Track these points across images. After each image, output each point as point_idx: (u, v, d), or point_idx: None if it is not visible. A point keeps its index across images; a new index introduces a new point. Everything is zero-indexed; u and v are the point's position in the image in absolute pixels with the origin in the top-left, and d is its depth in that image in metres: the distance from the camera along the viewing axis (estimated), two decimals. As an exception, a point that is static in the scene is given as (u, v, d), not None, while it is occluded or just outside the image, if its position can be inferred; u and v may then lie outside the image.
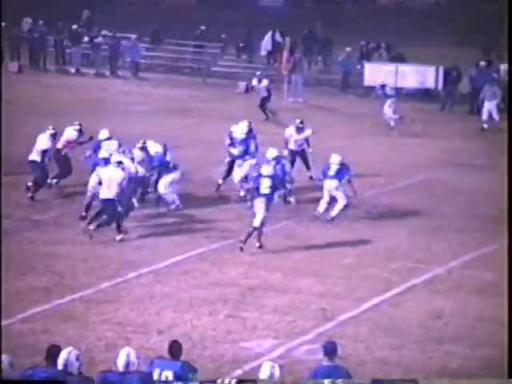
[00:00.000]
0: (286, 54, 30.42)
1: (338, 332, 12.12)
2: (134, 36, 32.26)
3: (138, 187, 16.54)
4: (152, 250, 15.01)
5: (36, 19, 32.03)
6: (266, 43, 32.42)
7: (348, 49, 31.01)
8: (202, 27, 33.29)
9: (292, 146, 18.74)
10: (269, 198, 15.22)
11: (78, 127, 17.94)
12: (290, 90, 29.31)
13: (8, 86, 27.14)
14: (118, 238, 15.31)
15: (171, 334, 11.75)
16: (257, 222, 15.04)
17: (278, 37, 32.13)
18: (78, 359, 8.61)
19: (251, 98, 26.85)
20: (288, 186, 16.98)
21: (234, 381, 8.65)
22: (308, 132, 18.92)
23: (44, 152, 17.27)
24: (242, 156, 17.82)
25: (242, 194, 17.49)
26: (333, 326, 12.41)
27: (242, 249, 14.91)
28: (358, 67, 30.72)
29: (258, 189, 15.23)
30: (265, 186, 15.20)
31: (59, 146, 17.65)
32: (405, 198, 17.36)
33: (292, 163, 18.28)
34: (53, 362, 8.66)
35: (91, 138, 17.80)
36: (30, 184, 17.16)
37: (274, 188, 15.31)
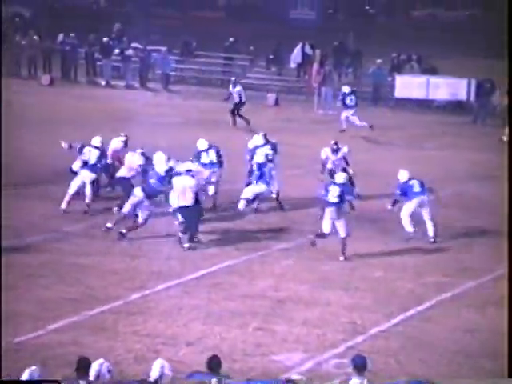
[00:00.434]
0: (315, 66, 30.39)
1: (369, 346, 12.02)
2: (164, 48, 32.39)
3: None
4: (181, 262, 14.99)
5: (68, 32, 32.27)
6: (296, 55, 32.41)
7: (379, 61, 30.92)
8: (231, 39, 33.38)
9: (330, 165, 18.62)
10: (338, 206, 15.30)
11: (124, 138, 18.07)
12: (320, 103, 29.28)
13: (41, 99, 27.43)
14: (186, 245, 15.45)
15: (201, 346, 11.72)
16: (342, 233, 15.25)
17: (307, 49, 32.10)
18: (109, 371, 8.61)
19: (280, 111, 26.84)
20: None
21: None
22: (344, 149, 18.73)
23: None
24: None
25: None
26: (363, 340, 12.31)
27: (345, 257, 15.20)
28: (389, 79, 30.63)
29: (326, 198, 15.34)
30: (333, 194, 15.27)
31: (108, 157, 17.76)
32: (435, 210, 17.19)
33: None
34: (84, 374, 8.64)
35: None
36: (118, 204, 16.88)
37: (342, 196, 15.36)
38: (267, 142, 18.57)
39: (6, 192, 17.78)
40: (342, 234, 15.29)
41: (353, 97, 25.44)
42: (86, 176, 17.12)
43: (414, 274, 14.79)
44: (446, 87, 29.11)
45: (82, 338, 11.90)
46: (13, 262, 14.46)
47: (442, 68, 30.21)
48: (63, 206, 16.97)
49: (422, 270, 14.98)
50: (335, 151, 18.57)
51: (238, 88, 26.22)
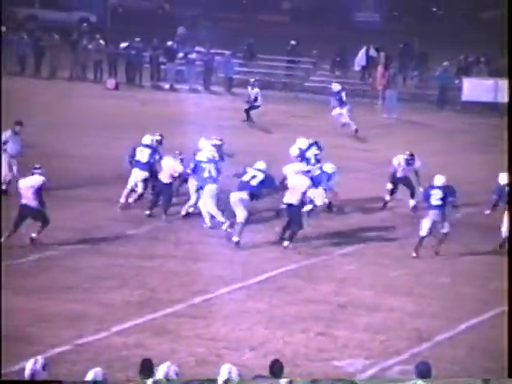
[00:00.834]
0: (380, 69, 30.16)
1: (434, 353, 11.83)
2: (227, 52, 32.48)
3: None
4: (243, 266, 14.97)
5: (133, 36, 32.57)
6: (360, 58, 32.20)
7: (445, 63, 30.54)
8: (293, 42, 33.29)
9: (400, 174, 18.39)
10: (440, 209, 15.29)
11: (158, 137, 17.80)
12: (384, 106, 29.03)
13: (106, 104, 27.70)
14: (286, 243, 15.61)
15: (263, 350, 11.67)
16: (445, 229, 15.51)
17: (372, 52, 31.87)
18: (177, 374, 8.64)
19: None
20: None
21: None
22: (418, 164, 18.49)
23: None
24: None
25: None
26: (428, 347, 12.13)
27: (437, 252, 15.62)
28: (456, 82, 30.21)
29: (429, 201, 15.41)
30: (436, 197, 15.21)
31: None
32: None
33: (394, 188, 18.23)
34: (148, 375, 8.68)
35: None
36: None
37: (445, 199, 15.34)
38: (312, 143, 18.49)
39: (72, 196, 18.00)
40: (445, 230, 15.47)
41: (344, 94, 25.27)
42: (138, 175, 17.30)
43: (481, 279, 14.58)
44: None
45: (146, 340, 11.95)
46: (79, 264, 14.62)
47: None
48: (122, 199, 17.26)
49: (490, 275, 14.72)
50: (409, 163, 18.33)
51: (256, 90, 26.40)
